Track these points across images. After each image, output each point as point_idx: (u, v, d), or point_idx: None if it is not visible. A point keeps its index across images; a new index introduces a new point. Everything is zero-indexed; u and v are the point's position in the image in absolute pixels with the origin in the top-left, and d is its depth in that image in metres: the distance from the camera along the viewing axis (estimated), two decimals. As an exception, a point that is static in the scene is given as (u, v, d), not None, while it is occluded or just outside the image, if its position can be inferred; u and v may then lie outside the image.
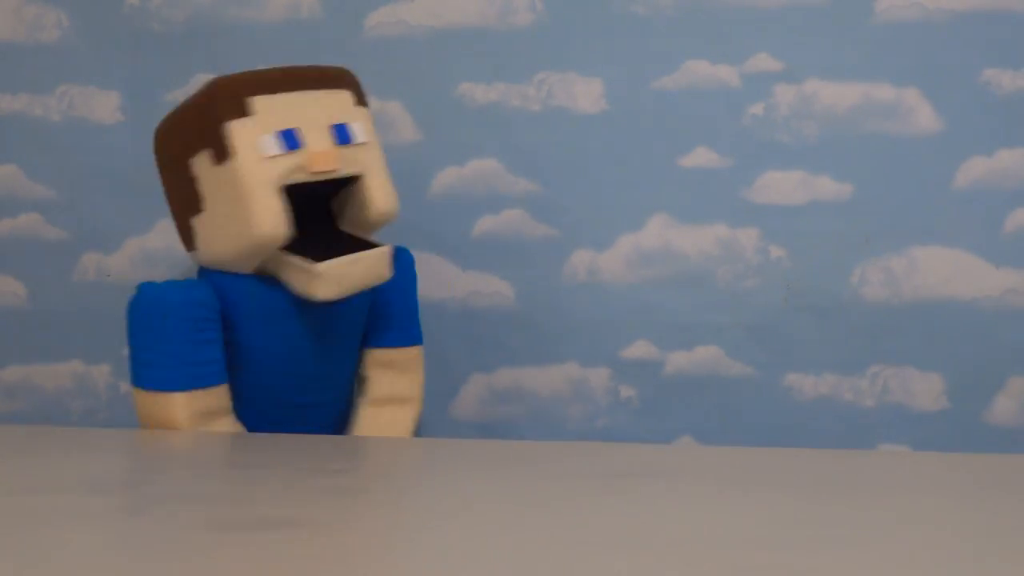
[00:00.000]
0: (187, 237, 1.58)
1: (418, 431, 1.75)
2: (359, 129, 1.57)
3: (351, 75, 1.63)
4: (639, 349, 1.89)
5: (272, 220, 1.47)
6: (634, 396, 1.89)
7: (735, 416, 1.86)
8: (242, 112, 1.49)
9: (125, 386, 1.98)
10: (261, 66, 1.96)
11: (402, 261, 1.70)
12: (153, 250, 1.98)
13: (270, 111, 1.50)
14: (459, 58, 1.90)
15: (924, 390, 1.83)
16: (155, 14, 1.96)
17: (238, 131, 1.48)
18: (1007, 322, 1.80)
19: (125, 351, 2.00)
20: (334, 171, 1.53)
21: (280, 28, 1.94)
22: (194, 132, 1.51)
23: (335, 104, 1.57)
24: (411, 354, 1.72)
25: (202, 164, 1.50)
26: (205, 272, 1.57)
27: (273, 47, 1.93)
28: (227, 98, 1.50)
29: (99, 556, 0.78)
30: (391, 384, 1.70)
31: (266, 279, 1.54)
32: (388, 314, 1.69)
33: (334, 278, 1.50)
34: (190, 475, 1.18)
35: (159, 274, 1.97)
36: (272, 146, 1.48)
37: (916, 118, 1.82)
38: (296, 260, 1.50)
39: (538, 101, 1.90)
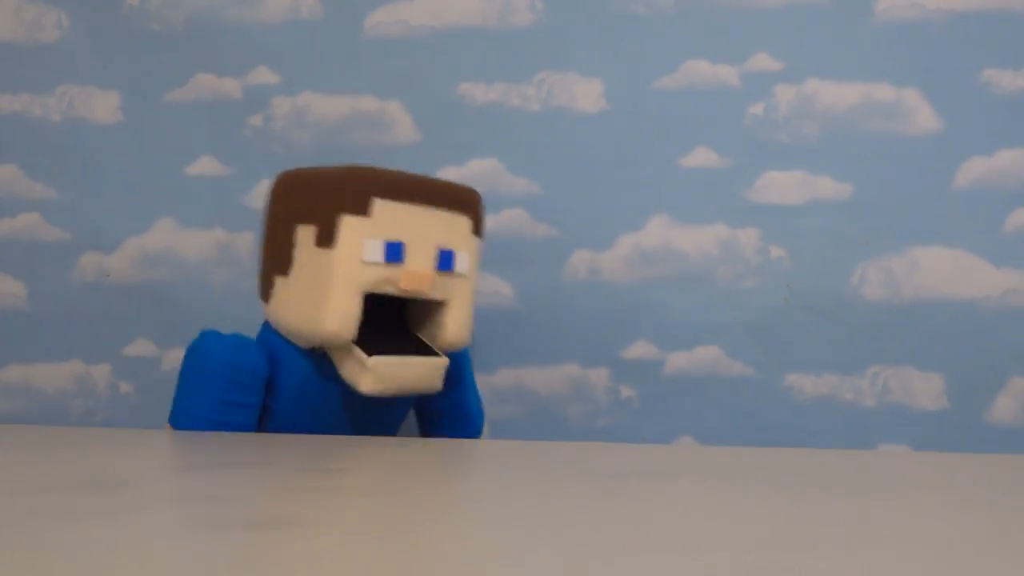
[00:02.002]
0: (266, 289, 1.59)
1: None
2: (463, 260, 1.56)
3: (477, 201, 1.60)
4: (639, 349, 1.89)
5: (341, 322, 1.48)
6: (634, 396, 1.89)
7: (735, 416, 1.86)
8: (362, 210, 1.49)
9: (125, 386, 1.98)
10: (261, 67, 1.97)
11: (457, 361, 1.68)
12: (153, 250, 1.98)
13: (387, 217, 1.50)
14: (459, 58, 1.90)
15: (924, 390, 1.83)
16: (155, 14, 1.96)
17: (349, 226, 1.48)
18: (1007, 322, 1.80)
19: (124, 351, 2.01)
20: (423, 294, 1.53)
21: (280, 28, 1.94)
22: (312, 203, 1.51)
23: (450, 228, 1.55)
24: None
25: (306, 236, 1.50)
26: (267, 329, 1.59)
27: (273, 47, 1.93)
28: (353, 191, 1.49)
29: (98, 556, 0.78)
30: None
31: (321, 358, 1.55)
32: (448, 412, 1.69)
33: (383, 375, 1.50)
34: (190, 475, 1.18)
35: (159, 274, 1.97)
36: (375, 253, 1.49)
37: (916, 118, 1.82)
38: (353, 349, 1.50)
39: (538, 101, 1.90)
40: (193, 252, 1.96)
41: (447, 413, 1.68)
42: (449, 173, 1.90)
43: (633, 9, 1.87)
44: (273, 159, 1.93)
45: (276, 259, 1.55)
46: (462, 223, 1.57)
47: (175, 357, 1.97)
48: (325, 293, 1.47)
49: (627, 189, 1.88)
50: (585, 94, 1.89)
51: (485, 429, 1.74)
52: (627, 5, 1.87)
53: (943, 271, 1.81)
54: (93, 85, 1.98)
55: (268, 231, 1.59)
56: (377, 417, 1.62)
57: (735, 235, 1.87)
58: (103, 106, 1.98)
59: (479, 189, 1.91)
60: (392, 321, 1.62)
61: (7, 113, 2.00)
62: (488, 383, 1.92)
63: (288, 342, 1.54)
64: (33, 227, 2.00)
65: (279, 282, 1.54)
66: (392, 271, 1.49)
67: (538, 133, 1.89)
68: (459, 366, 1.67)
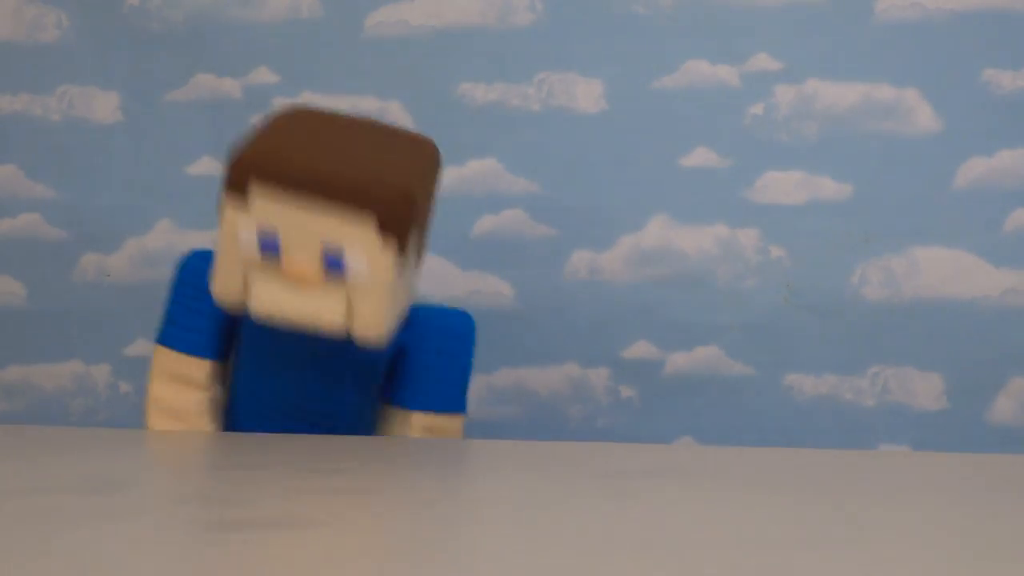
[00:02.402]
0: None
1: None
2: (356, 262, 1.38)
3: (391, 200, 1.39)
4: (639, 349, 1.89)
5: (224, 291, 1.42)
6: (634, 396, 1.89)
7: (735, 416, 1.86)
8: (241, 195, 1.39)
9: (125, 386, 1.98)
10: (262, 67, 1.97)
11: (456, 326, 1.62)
12: (153, 250, 1.98)
13: (265, 205, 1.38)
14: (459, 58, 1.90)
15: (924, 390, 1.83)
16: (155, 14, 1.96)
17: (230, 214, 1.40)
18: (1007, 322, 1.80)
19: (124, 351, 2.01)
20: (317, 287, 1.41)
21: (280, 28, 1.94)
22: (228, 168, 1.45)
23: (341, 224, 1.37)
24: (454, 422, 1.63)
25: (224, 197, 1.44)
26: None
27: (273, 47, 1.93)
28: (235, 177, 1.40)
29: (99, 556, 0.78)
30: None
31: None
32: (438, 377, 1.61)
33: (264, 300, 1.41)
34: (190, 475, 1.18)
35: (159, 274, 1.97)
36: (250, 247, 1.39)
37: (916, 118, 1.82)
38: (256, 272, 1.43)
39: (538, 101, 1.90)
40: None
41: (443, 381, 1.61)
42: (449, 173, 1.90)
43: (633, 9, 1.87)
44: (273, 159, 1.93)
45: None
46: (362, 224, 1.37)
47: (175, 357, 1.97)
48: (216, 258, 1.44)
49: (627, 189, 1.88)
50: (585, 94, 1.89)
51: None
52: (627, 5, 1.87)
53: (943, 271, 1.81)
54: (93, 85, 1.98)
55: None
56: (333, 364, 1.55)
57: (735, 235, 1.87)
58: (103, 106, 1.98)
59: (479, 189, 1.91)
60: None
61: (7, 113, 2.00)
62: (488, 383, 1.92)
63: None
64: (33, 227, 2.00)
65: None
66: (273, 263, 1.39)
67: (538, 133, 1.89)
68: (458, 333, 1.61)
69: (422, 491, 1.12)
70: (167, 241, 1.97)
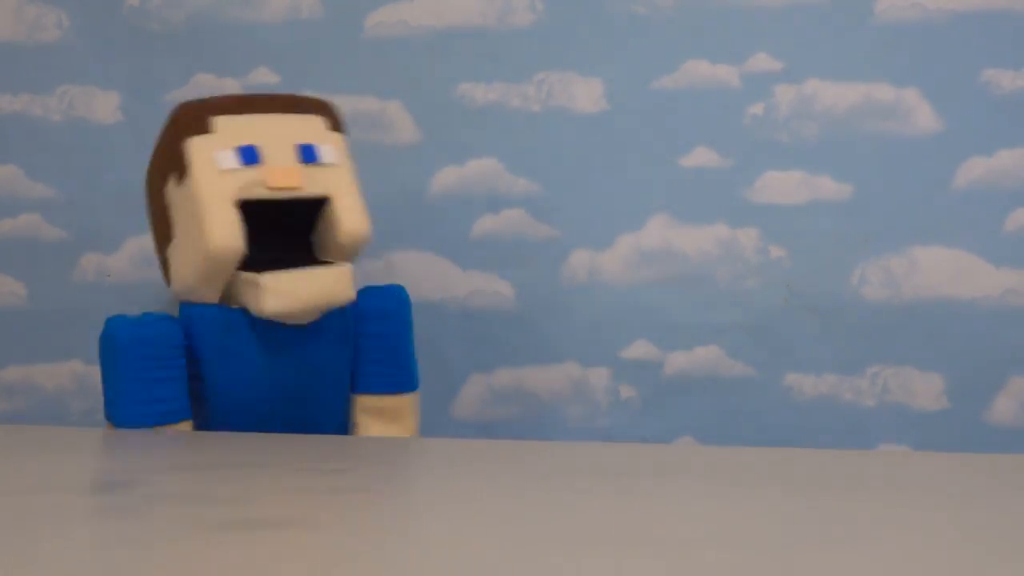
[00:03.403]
0: (165, 270, 1.57)
1: (418, 431, 1.75)
2: (327, 151, 1.52)
3: (327, 104, 1.59)
4: (639, 349, 1.89)
5: (224, 233, 1.42)
6: (634, 396, 1.89)
7: (735, 416, 1.86)
8: (203, 130, 1.46)
9: (125, 386, 1.98)
10: (262, 67, 1.97)
11: (394, 300, 1.62)
12: (153, 250, 1.98)
13: (231, 129, 1.47)
14: (459, 58, 1.90)
15: (924, 390, 1.83)
16: (155, 14, 1.96)
17: (196, 147, 1.46)
18: (1007, 322, 1.80)
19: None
20: (296, 188, 1.47)
21: (280, 28, 1.94)
22: (163, 157, 1.51)
23: (303, 126, 1.53)
24: (402, 401, 1.62)
25: (171, 189, 1.49)
26: (182, 306, 1.54)
27: (273, 47, 1.93)
28: (189, 118, 1.49)
29: (99, 556, 0.78)
30: (379, 432, 1.61)
31: (235, 310, 1.49)
32: (377, 358, 1.60)
33: (282, 291, 1.44)
34: (190, 475, 1.18)
35: (159, 275, 1.97)
36: (229, 160, 1.45)
37: (916, 118, 1.82)
38: (246, 276, 1.45)
39: (538, 101, 1.90)
40: (193, 252, 1.96)
41: (386, 360, 1.61)
42: (449, 173, 1.90)
43: (633, 9, 1.87)
44: (273, 159, 1.93)
45: (161, 234, 1.54)
46: (314, 121, 1.54)
47: (175, 357, 1.97)
48: (200, 219, 1.44)
49: (627, 189, 1.88)
50: (585, 94, 1.89)
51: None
52: (627, 5, 1.87)
53: (943, 271, 1.81)
54: (93, 85, 1.98)
55: (151, 218, 1.58)
56: (313, 363, 1.54)
57: (735, 235, 1.87)
58: (103, 106, 1.98)
59: (479, 189, 1.91)
60: (299, 256, 1.55)
61: (7, 113, 2.00)
62: (488, 383, 1.92)
63: (198, 304, 1.50)
64: (33, 227, 2.00)
65: (170, 250, 1.52)
66: (255, 173, 1.45)
67: (538, 133, 1.89)
68: (396, 307, 1.62)
69: (421, 491, 1.12)
70: (167, 241, 1.97)
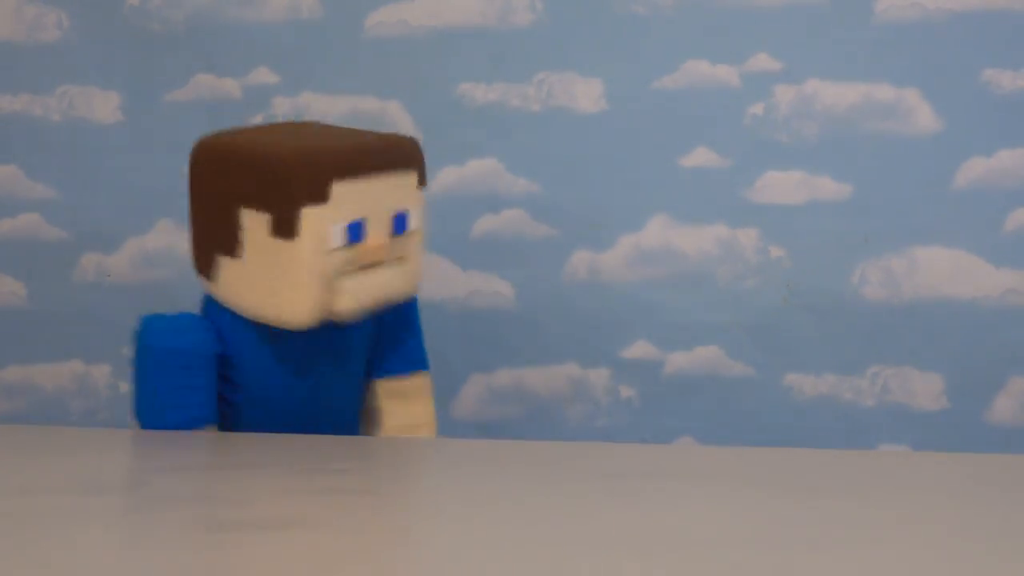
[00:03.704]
0: (206, 266, 1.50)
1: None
2: (414, 217, 1.49)
3: (418, 149, 1.52)
4: (639, 349, 1.89)
5: (308, 311, 1.41)
6: (634, 396, 1.89)
7: (735, 416, 1.86)
8: (322, 198, 1.40)
9: (125, 386, 1.98)
10: (262, 67, 1.96)
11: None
12: (153, 250, 1.98)
13: (345, 199, 1.41)
14: (459, 58, 1.90)
15: (924, 390, 1.83)
16: (155, 14, 1.96)
17: (312, 217, 1.39)
18: (1007, 322, 1.80)
19: (125, 351, 2.01)
20: (381, 262, 1.47)
21: (280, 28, 1.94)
22: (258, 189, 1.42)
23: (402, 190, 1.47)
24: (419, 381, 1.63)
25: (256, 222, 1.42)
26: (212, 306, 1.52)
27: (273, 47, 1.93)
28: (308, 179, 1.41)
29: (99, 556, 0.78)
30: (405, 413, 1.63)
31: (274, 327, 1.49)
32: (392, 342, 1.62)
33: (359, 292, 1.43)
34: (190, 475, 1.18)
35: (159, 274, 1.97)
36: (339, 238, 1.40)
37: (916, 118, 1.82)
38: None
39: (538, 101, 1.90)
40: (193, 252, 1.96)
41: (400, 343, 1.62)
42: (449, 173, 1.90)
43: (633, 9, 1.87)
44: (273, 159, 1.92)
45: (219, 239, 1.47)
46: (410, 181, 1.49)
47: (175, 357, 1.97)
48: (288, 285, 1.41)
49: (627, 189, 1.88)
50: (585, 94, 1.89)
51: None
52: (627, 5, 1.87)
53: (943, 271, 1.81)
54: (93, 85, 1.98)
55: (203, 206, 1.50)
56: (345, 361, 1.55)
57: (735, 235, 1.86)
58: (103, 106, 1.98)
59: (479, 189, 1.91)
60: None
61: (7, 113, 2.00)
62: (488, 383, 1.92)
63: (236, 315, 1.47)
64: (33, 227, 2.00)
65: (226, 263, 1.46)
66: (353, 251, 1.42)
67: (538, 133, 1.89)
68: (410, 310, 1.62)
69: (422, 491, 1.12)
70: (167, 241, 1.97)
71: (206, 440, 1.44)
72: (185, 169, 2.06)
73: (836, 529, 0.91)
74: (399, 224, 1.46)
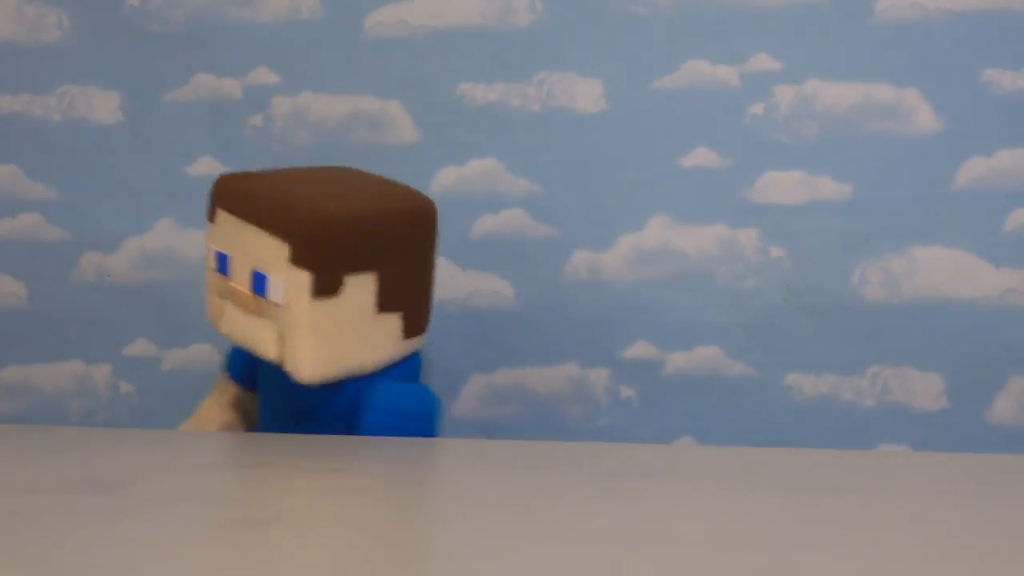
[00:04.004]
0: None
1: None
2: (276, 287, 1.39)
3: (303, 229, 1.40)
4: (639, 349, 1.89)
5: (211, 319, 1.50)
6: (634, 396, 1.89)
7: (735, 416, 1.86)
8: (211, 218, 1.47)
9: (125, 386, 1.98)
10: (262, 67, 1.96)
11: (383, 408, 1.53)
12: (153, 250, 1.98)
13: (224, 227, 1.44)
14: (459, 58, 1.90)
15: (924, 390, 1.83)
16: (155, 14, 1.96)
17: (208, 232, 1.48)
18: (1007, 322, 1.80)
19: (124, 351, 2.01)
20: (248, 308, 1.45)
21: (280, 28, 1.94)
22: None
23: (266, 252, 1.40)
24: None
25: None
26: None
27: (273, 47, 1.93)
28: (212, 197, 1.47)
29: (99, 556, 0.78)
30: None
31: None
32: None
33: (228, 319, 1.47)
34: (190, 475, 1.18)
35: (159, 275, 1.97)
36: (213, 260, 1.46)
37: (916, 118, 1.82)
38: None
39: (538, 101, 1.90)
40: (193, 252, 1.96)
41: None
42: (449, 173, 1.90)
43: (633, 9, 1.87)
44: (273, 159, 1.93)
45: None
46: (278, 250, 1.39)
47: (175, 357, 1.97)
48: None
49: (627, 189, 1.88)
50: (585, 94, 1.89)
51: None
52: (627, 5, 1.87)
53: (943, 271, 1.81)
54: (93, 85, 1.98)
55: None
56: (305, 406, 1.55)
57: (735, 235, 1.87)
58: (103, 106, 1.98)
59: (479, 189, 1.91)
60: None
61: (7, 113, 2.00)
62: (488, 383, 1.92)
63: None
64: (33, 227, 2.00)
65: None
66: (225, 282, 1.45)
67: (538, 133, 1.89)
68: (357, 408, 1.53)
69: (422, 491, 1.12)
70: (167, 241, 1.97)
71: (206, 440, 1.45)
72: (186, 169, 2.06)
73: (836, 529, 0.91)
74: (257, 282, 1.42)
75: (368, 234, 1.47)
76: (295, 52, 1.93)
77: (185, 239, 1.96)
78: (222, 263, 1.44)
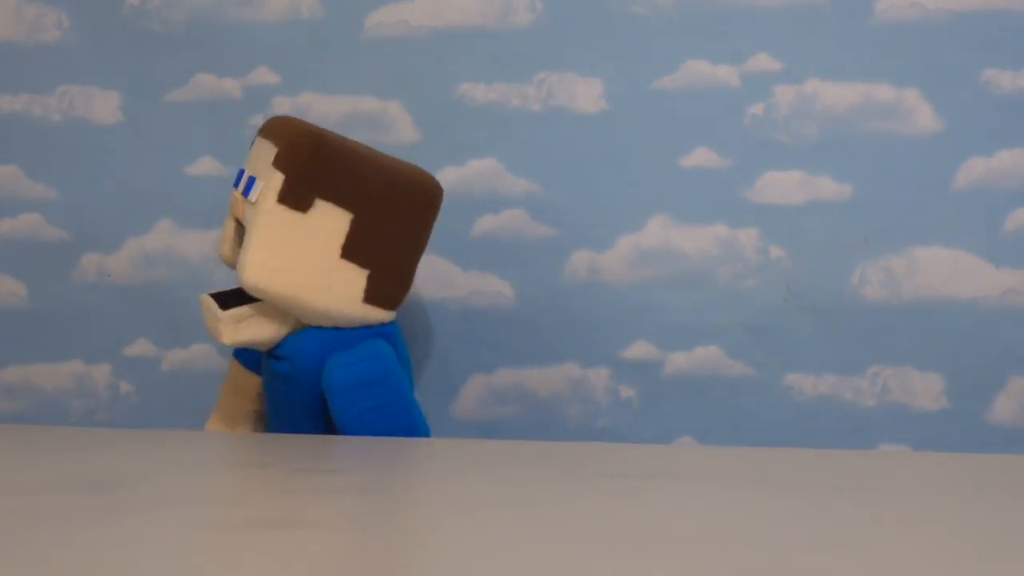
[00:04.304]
0: None
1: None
2: (256, 187, 1.53)
3: (293, 133, 1.56)
4: (639, 349, 1.89)
5: (221, 241, 1.62)
6: (634, 396, 1.89)
7: (735, 416, 1.86)
8: (252, 147, 1.62)
9: (125, 386, 1.98)
10: (262, 67, 1.97)
11: (336, 378, 1.55)
12: (153, 250, 1.98)
13: (252, 150, 1.60)
14: (459, 58, 1.90)
15: (924, 390, 1.83)
16: (155, 14, 1.96)
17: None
18: (1007, 322, 1.80)
19: (125, 351, 2.01)
20: (240, 216, 1.57)
21: (280, 28, 1.94)
22: None
23: (260, 155, 1.56)
24: None
25: None
26: None
27: (273, 47, 1.93)
28: (259, 131, 1.63)
29: (99, 556, 0.78)
30: None
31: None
32: (340, 423, 1.57)
33: (232, 323, 1.53)
34: (190, 475, 1.18)
35: (159, 275, 1.97)
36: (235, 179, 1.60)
37: (916, 118, 1.82)
38: (210, 304, 1.55)
39: (538, 101, 1.90)
40: (193, 252, 1.96)
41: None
42: (449, 173, 1.90)
43: (633, 9, 1.87)
44: (273, 159, 1.92)
45: None
46: (268, 151, 1.54)
47: (175, 357, 1.97)
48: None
49: (627, 189, 1.88)
50: (585, 94, 1.89)
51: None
52: (627, 5, 1.87)
53: (943, 271, 1.81)
54: (93, 85, 1.98)
55: None
56: (287, 391, 1.58)
57: (735, 235, 1.86)
58: (103, 106, 1.98)
59: (479, 189, 1.91)
60: None
61: (7, 113, 2.00)
62: (488, 383, 1.92)
63: None
64: (33, 227, 2.00)
65: None
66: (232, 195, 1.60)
67: (538, 133, 1.89)
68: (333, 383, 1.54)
69: (421, 491, 1.12)
70: (167, 241, 1.97)
71: (206, 440, 1.45)
72: (186, 169, 2.06)
73: (836, 529, 0.91)
74: (248, 185, 1.55)
75: (355, 170, 1.55)
76: (295, 52, 1.93)
77: (185, 239, 1.96)
78: (238, 177, 1.58)
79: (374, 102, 1.92)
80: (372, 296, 1.55)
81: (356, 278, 1.54)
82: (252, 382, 1.70)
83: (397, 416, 1.57)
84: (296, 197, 1.50)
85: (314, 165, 1.51)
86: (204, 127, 1.96)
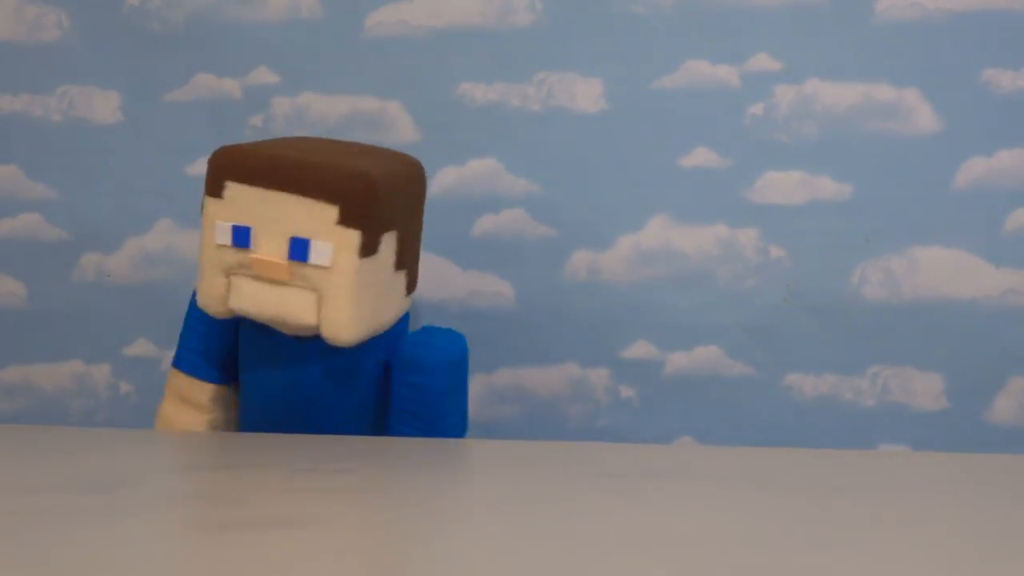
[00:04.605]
0: None
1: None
2: (323, 251, 1.43)
3: (351, 189, 1.45)
4: (639, 349, 1.89)
5: (211, 300, 1.49)
6: (634, 396, 1.89)
7: (735, 416, 1.86)
8: (217, 193, 1.47)
9: (125, 386, 1.98)
10: (262, 67, 1.96)
11: (437, 353, 1.57)
12: (153, 250, 1.98)
13: (238, 201, 1.46)
14: (459, 58, 1.90)
15: (924, 390, 1.83)
16: (155, 14, 1.96)
17: (209, 209, 1.48)
18: (1007, 322, 1.80)
19: (124, 351, 2.01)
20: (286, 283, 1.46)
21: (280, 28, 1.94)
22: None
23: (310, 217, 1.44)
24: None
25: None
26: None
27: (273, 47, 1.93)
28: (212, 173, 1.48)
29: (99, 556, 0.78)
30: None
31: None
32: (412, 410, 1.58)
33: (244, 293, 1.47)
34: (190, 475, 1.18)
35: (159, 275, 1.97)
36: (225, 236, 1.46)
37: (916, 118, 1.82)
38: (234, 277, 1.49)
39: (538, 101, 1.90)
40: (193, 252, 1.95)
41: (416, 413, 1.58)
42: (449, 173, 1.90)
43: (633, 9, 1.87)
44: (273, 159, 1.93)
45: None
46: (324, 212, 1.43)
47: (175, 357, 1.97)
48: (200, 271, 1.50)
49: (627, 189, 1.88)
50: (585, 94, 1.89)
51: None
52: (627, 5, 1.87)
53: (943, 271, 1.81)
54: (93, 85, 1.98)
55: None
56: (324, 396, 1.57)
57: (735, 235, 1.87)
58: (103, 106, 1.98)
59: (479, 189, 1.91)
60: None
61: (7, 113, 2.00)
62: (488, 383, 1.92)
63: None
64: (33, 227, 2.00)
65: None
66: (243, 256, 1.46)
67: (538, 133, 1.89)
68: (434, 364, 1.57)
69: (422, 491, 1.12)
70: (167, 241, 1.97)
71: (206, 440, 1.45)
72: (186, 169, 2.07)
73: (836, 529, 0.91)
74: (297, 249, 1.44)
75: (398, 193, 1.53)
76: (295, 52, 1.93)
77: (185, 239, 1.96)
78: (241, 236, 1.45)
79: (374, 102, 1.92)
80: (410, 287, 1.60)
81: (402, 281, 1.57)
82: (203, 391, 1.65)
83: (464, 399, 1.63)
84: (372, 244, 1.46)
85: (379, 208, 1.47)
86: (204, 127, 1.96)
